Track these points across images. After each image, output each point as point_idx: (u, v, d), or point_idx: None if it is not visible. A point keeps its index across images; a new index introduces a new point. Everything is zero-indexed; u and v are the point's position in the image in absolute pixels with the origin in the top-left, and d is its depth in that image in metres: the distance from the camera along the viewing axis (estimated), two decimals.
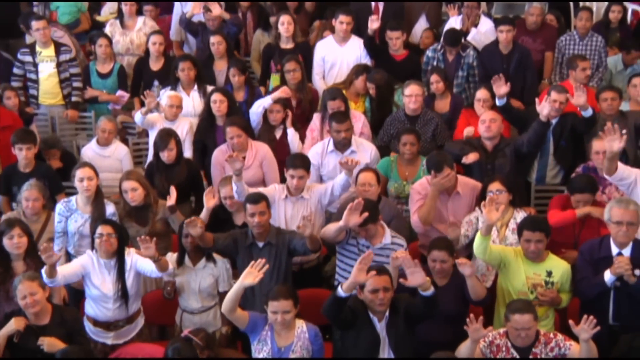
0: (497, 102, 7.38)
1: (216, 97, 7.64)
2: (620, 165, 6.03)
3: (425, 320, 5.51)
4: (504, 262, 5.89)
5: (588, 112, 7.24)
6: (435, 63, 8.62)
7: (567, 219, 6.42)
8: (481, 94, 7.59)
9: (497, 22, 8.57)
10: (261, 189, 6.55)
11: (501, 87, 7.25)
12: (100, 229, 5.98)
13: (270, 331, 5.51)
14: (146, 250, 5.83)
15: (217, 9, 9.17)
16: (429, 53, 8.72)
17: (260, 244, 6.07)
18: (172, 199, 6.59)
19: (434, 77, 7.98)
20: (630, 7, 10.26)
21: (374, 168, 6.85)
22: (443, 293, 5.69)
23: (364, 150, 7.22)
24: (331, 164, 7.05)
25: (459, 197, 6.64)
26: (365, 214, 5.87)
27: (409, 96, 7.53)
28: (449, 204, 6.64)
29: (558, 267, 5.90)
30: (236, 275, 6.27)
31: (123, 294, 6.01)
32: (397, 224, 6.53)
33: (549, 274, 5.85)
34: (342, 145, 7.11)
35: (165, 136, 7.11)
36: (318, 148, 7.20)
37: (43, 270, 5.71)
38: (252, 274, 5.37)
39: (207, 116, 7.73)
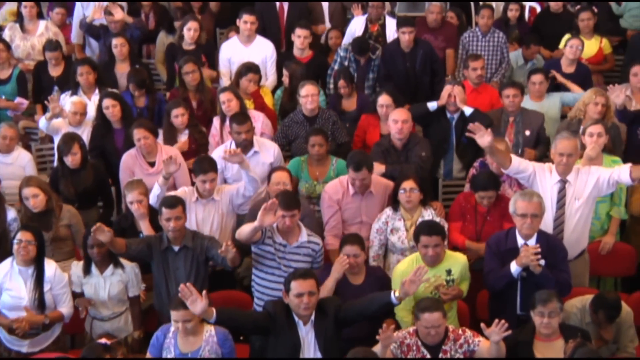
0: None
1: (107, 102, 7.51)
2: (514, 158, 6.19)
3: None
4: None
5: (468, 111, 7.49)
6: (346, 63, 8.67)
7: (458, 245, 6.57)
8: (383, 99, 7.59)
9: (398, 24, 8.66)
10: (171, 193, 6.50)
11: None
12: (19, 235, 5.89)
13: (174, 338, 5.49)
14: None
15: (119, 13, 9.03)
16: (340, 52, 8.75)
17: (176, 248, 6.02)
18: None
19: (341, 83, 8.05)
20: (528, 4, 10.53)
21: (287, 167, 6.85)
22: (360, 292, 5.74)
23: (267, 150, 7.21)
24: (235, 167, 6.95)
25: (371, 196, 6.69)
26: (280, 213, 5.89)
27: (305, 97, 7.54)
28: (362, 204, 6.68)
29: (456, 263, 5.99)
30: (148, 279, 6.27)
31: (40, 304, 5.89)
32: (309, 223, 6.54)
33: (449, 272, 5.94)
34: (244, 146, 7.05)
35: (69, 140, 6.97)
36: (220, 152, 7.10)
37: None
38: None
39: (101, 121, 7.60)
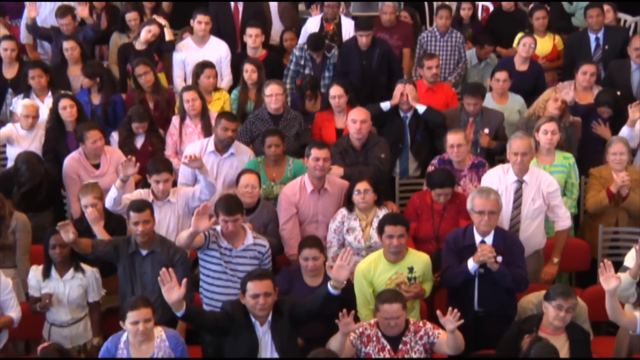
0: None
1: (65, 103, 7.44)
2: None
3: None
4: (372, 289, 5.95)
5: (421, 109, 7.56)
6: (302, 62, 8.68)
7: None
8: (334, 90, 7.65)
9: (356, 26, 8.68)
10: (127, 195, 6.45)
11: None
12: None
13: (126, 349, 5.41)
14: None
15: (85, 11, 8.93)
16: (296, 52, 8.75)
17: (144, 252, 5.96)
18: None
19: (308, 93, 8.08)
20: (480, 3, 10.63)
21: (255, 170, 6.82)
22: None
23: (243, 154, 7.20)
24: (209, 165, 6.93)
25: (327, 194, 6.69)
26: (214, 218, 5.88)
27: (270, 96, 7.54)
28: (319, 203, 6.68)
29: (418, 261, 6.02)
30: (107, 283, 6.19)
31: None
32: (273, 228, 6.58)
33: (411, 270, 5.96)
34: (224, 145, 7.05)
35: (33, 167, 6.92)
36: (196, 148, 7.09)
37: None
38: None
39: (55, 124, 7.51)
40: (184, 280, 5.23)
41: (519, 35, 9.02)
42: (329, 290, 5.33)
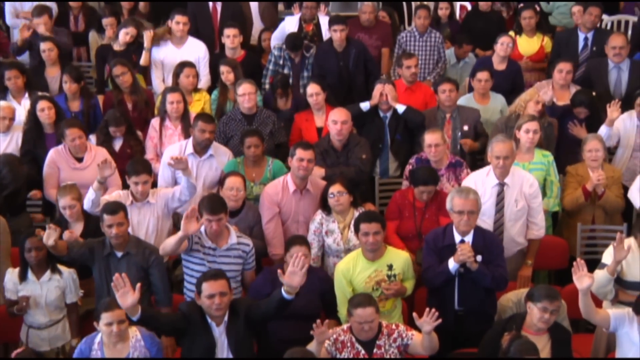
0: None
1: (43, 104, 7.39)
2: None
3: (270, 321, 5.57)
4: (352, 288, 5.94)
5: (400, 108, 7.59)
6: (281, 62, 8.68)
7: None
8: (312, 88, 7.68)
9: (329, 22, 8.69)
10: (105, 197, 6.42)
11: None
12: None
13: (100, 350, 5.38)
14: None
15: (41, 28, 8.84)
16: (274, 52, 8.74)
17: (119, 254, 5.94)
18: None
19: (279, 91, 8.06)
20: (458, 3, 10.66)
21: (240, 173, 6.80)
22: (301, 292, 5.67)
23: (222, 154, 7.19)
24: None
25: (309, 195, 6.69)
26: (202, 220, 5.87)
27: (242, 95, 7.53)
28: (300, 203, 6.68)
29: (397, 258, 6.02)
30: (85, 284, 6.17)
31: None
32: (259, 230, 6.58)
33: (390, 267, 5.96)
34: (203, 146, 7.04)
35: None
36: (175, 149, 7.07)
37: None
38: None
39: (33, 125, 7.46)
40: (138, 285, 5.19)
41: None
42: (283, 296, 5.30)
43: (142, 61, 8.63)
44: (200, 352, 5.39)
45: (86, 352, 5.40)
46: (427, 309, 5.32)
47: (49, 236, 5.74)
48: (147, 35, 8.58)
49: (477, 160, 7.68)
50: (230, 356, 5.41)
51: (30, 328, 6.08)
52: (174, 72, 8.16)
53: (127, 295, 5.15)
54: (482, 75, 8.07)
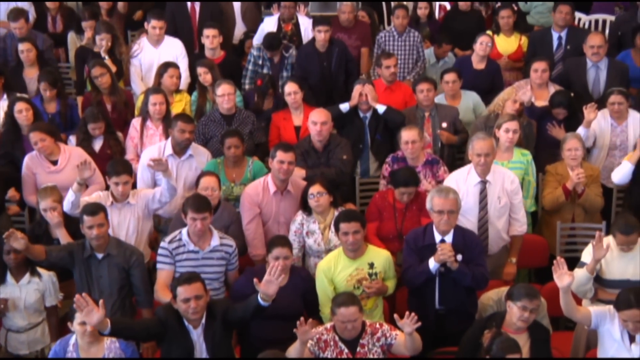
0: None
1: (21, 106, 7.35)
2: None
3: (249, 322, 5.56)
4: (334, 287, 5.95)
5: (381, 109, 7.60)
6: (260, 62, 8.68)
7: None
8: (289, 87, 7.70)
9: (314, 22, 8.69)
10: (85, 198, 6.39)
11: None
12: None
13: (75, 351, 5.35)
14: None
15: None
16: (254, 52, 8.75)
17: (100, 256, 5.91)
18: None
19: (270, 92, 8.07)
20: (437, 2, 10.69)
21: (215, 173, 6.78)
22: (283, 292, 5.70)
23: (201, 155, 7.18)
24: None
25: (290, 196, 6.69)
26: (191, 215, 5.87)
27: (221, 96, 7.52)
28: (281, 204, 6.67)
29: (378, 257, 6.03)
30: (65, 287, 6.13)
31: None
32: (236, 230, 6.55)
33: (371, 265, 5.97)
34: (182, 147, 7.02)
35: None
36: (154, 151, 7.04)
37: None
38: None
39: (11, 127, 7.42)
40: (101, 302, 5.09)
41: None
42: (259, 302, 5.28)
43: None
44: (179, 356, 5.37)
45: (60, 354, 5.37)
46: (407, 312, 5.32)
47: (15, 240, 5.66)
48: (103, 45, 8.49)
49: (456, 159, 7.72)
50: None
51: (9, 331, 6.05)
52: (157, 72, 8.11)
53: (92, 313, 5.05)
54: (449, 77, 8.11)
